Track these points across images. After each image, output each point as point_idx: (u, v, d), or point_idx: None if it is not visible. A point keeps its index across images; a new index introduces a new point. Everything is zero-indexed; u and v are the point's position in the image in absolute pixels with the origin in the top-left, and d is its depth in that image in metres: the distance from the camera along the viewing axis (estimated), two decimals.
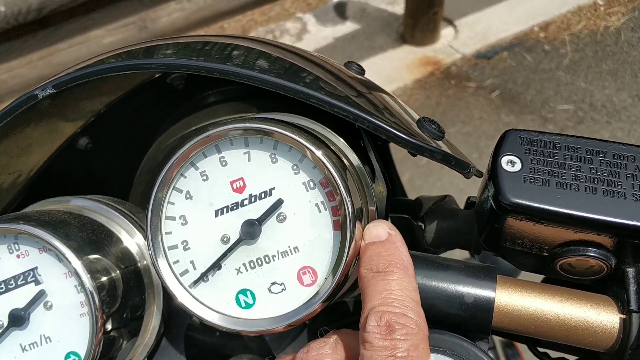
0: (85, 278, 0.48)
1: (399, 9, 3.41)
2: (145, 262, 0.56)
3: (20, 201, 0.68)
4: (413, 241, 0.66)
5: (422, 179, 2.45)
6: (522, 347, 0.74)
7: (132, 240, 0.57)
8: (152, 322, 0.56)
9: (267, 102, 0.75)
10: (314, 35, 3.48)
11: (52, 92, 0.49)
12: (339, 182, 0.43)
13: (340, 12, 3.61)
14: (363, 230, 0.46)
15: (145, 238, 0.48)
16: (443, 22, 3.17)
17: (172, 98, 0.76)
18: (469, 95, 2.83)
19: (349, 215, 0.43)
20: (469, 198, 0.58)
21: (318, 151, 0.44)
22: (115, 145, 0.79)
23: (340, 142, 0.52)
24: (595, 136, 0.46)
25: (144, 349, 0.56)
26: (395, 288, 0.39)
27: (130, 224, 0.58)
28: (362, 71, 0.60)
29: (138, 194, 0.78)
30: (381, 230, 0.44)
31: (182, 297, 0.47)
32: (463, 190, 2.36)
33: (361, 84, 0.54)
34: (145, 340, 0.56)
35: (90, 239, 0.52)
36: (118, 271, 0.52)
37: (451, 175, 2.44)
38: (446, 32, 3.19)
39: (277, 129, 0.44)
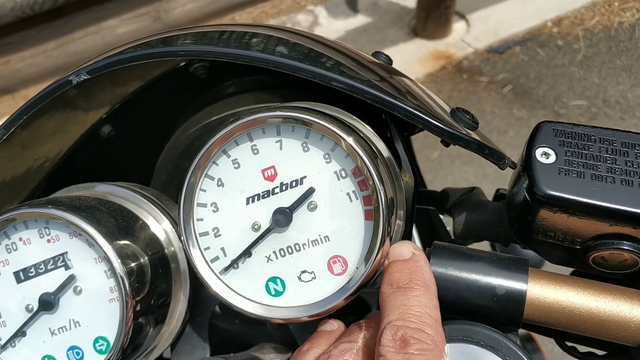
0: (116, 263, 0.48)
1: (410, 2, 3.38)
2: (172, 249, 0.56)
3: (45, 188, 0.68)
4: (435, 233, 0.66)
5: (432, 173, 2.44)
6: (543, 342, 0.74)
7: (159, 226, 0.57)
8: (179, 309, 0.56)
9: (289, 92, 0.75)
10: (326, 28, 3.46)
11: (86, 77, 0.49)
12: (372, 171, 0.43)
13: (352, 5, 3.59)
14: (394, 220, 0.46)
15: (177, 224, 0.48)
16: (455, 16, 3.15)
17: (194, 87, 0.76)
18: (480, 89, 2.81)
19: (382, 205, 0.43)
20: (497, 190, 0.58)
21: (351, 140, 0.44)
22: (136, 133, 0.79)
23: (369, 131, 0.52)
24: None
25: (170, 336, 0.56)
26: (414, 304, 0.39)
27: (157, 210, 0.58)
28: (390, 61, 0.60)
29: (159, 182, 0.79)
30: (405, 250, 0.44)
31: (214, 283, 0.47)
32: (475, 184, 2.35)
33: (391, 73, 0.54)
34: (171, 327, 0.56)
35: (120, 224, 0.52)
36: (146, 257, 0.52)
37: (462, 169, 2.44)
38: (458, 26, 3.17)
39: (315, 118, 0.44)
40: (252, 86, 0.77)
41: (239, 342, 0.64)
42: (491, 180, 2.38)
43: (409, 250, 0.44)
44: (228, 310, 0.63)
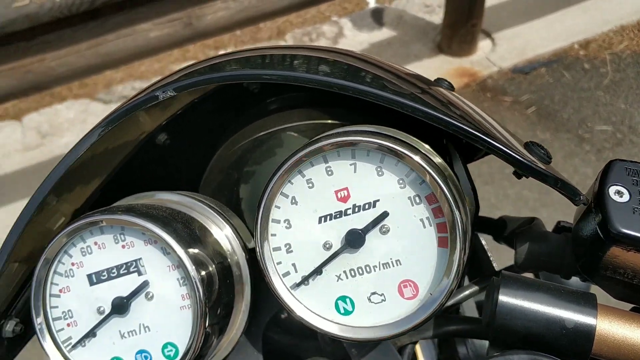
0: (193, 272, 0.50)
1: (436, 18, 3.41)
2: (235, 258, 0.58)
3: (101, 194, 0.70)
4: (476, 259, 0.67)
5: None
6: None
7: (223, 236, 0.58)
8: (239, 319, 0.58)
9: (341, 111, 0.77)
10: (350, 40, 3.49)
11: (172, 94, 0.51)
12: (451, 201, 0.45)
13: (377, 18, 3.62)
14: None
15: (238, 234, 0.49)
16: (481, 34, 3.16)
17: (246, 100, 0.78)
18: (504, 109, 2.82)
19: (459, 234, 0.45)
20: (559, 222, 0.59)
21: (434, 171, 0.46)
22: (188, 142, 0.81)
23: (438, 159, 0.53)
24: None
25: (229, 345, 0.58)
26: None
27: (221, 220, 0.59)
28: (452, 88, 0.62)
29: (208, 191, 0.81)
30: None
31: (287, 298, 0.49)
32: (495, 204, 2.36)
33: (461, 101, 0.55)
34: (230, 336, 0.57)
35: (192, 233, 0.53)
36: (214, 266, 0.54)
37: (483, 189, 2.43)
38: (484, 45, 3.19)
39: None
40: (302, 102, 0.79)
41: (290, 355, 0.66)
42: (511, 202, 2.38)
43: None
44: (282, 322, 0.65)
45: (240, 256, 0.58)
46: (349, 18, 3.66)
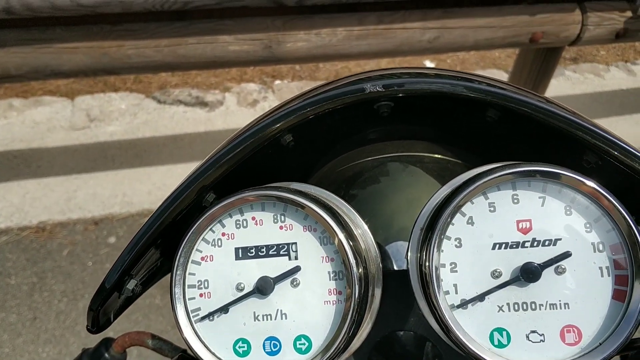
0: (354, 268, 0.48)
1: None
2: (373, 266, 0.56)
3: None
4: None
5: None
6: None
7: (365, 237, 0.56)
8: (366, 330, 0.55)
9: (461, 151, 0.77)
10: None
11: (380, 90, 0.52)
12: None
13: None
14: None
15: (427, 252, 0.48)
16: None
17: (371, 121, 0.78)
18: None
19: None
20: None
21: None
22: (308, 147, 0.82)
23: None
24: None
25: (350, 356, 0.55)
26: None
27: (359, 218, 0.58)
28: None
29: None
30: None
31: (448, 316, 0.47)
32: None
33: None
34: (354, 347, 0.55)
35: (349, 229, 0.52)
36: (362, 267, 0.52)
37: None
38: None
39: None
40: (427, 135, 0.80)
41: None
42: None
43: None
44: (382, 348, 0.62)
45: (377, 265, 0.56)
46: None
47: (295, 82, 3.81)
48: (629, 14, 2.00)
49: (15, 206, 2.55)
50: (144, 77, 3.75)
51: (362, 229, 0.57)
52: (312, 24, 2.34)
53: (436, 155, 0.80)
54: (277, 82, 3.77)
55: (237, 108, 3.33)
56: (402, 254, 0.62)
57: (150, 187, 2.70)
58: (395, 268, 0.59)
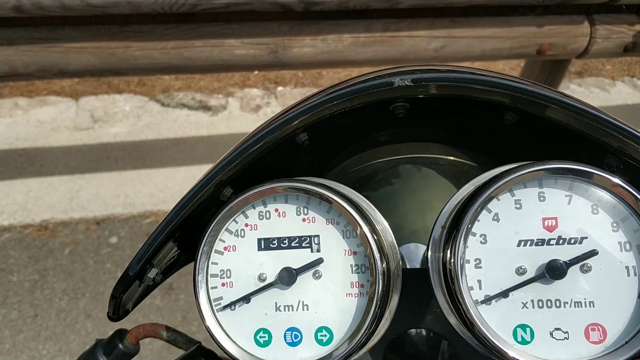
0: (379, 262, 0.48)
1: None
2: (396, 261, 0.55)
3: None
4: None
5: None
6: None
7: (386, 233, 0.56)
8: (384, 327, 0.55)
9: (477, 155, 0.77)
10: None
11: (409, 84, 0.52)
12: None
13: None
14: None
15: (452, 248, 0.48)
16: None
17: (385, 122, 0.78)
18: None
19: None
20: None
21: None
22: (323, 147, 0.82)
23: None
24: None
25: (366, 352, 0.55)
26: None
27: (379, 214, 0.58)
28: None
29: None
30: None
31: (473, 311, 0.47)
32: None
33: None
34: (372, 343, 0.55)
35: (372, 224, 0.52)
36: (385, 262, 0.52)
37: None
38: None
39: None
40: (443, 137, 0.80)
41: None
42: None
43: None
44: (398, 345, 0.61)
45: (397, 263, 0.56)
46: None
47: (298, 88, 3.82)
48: (637, 27, 2.01)
49: (18, 204, 2.54)
50: (148, 79, 3.75)
51: (382, 225, 0.57)
52: (318, 30, 2.35)
53: (450, 158, 0.80)
54: (280, 88, 3.79)
55: (240, 113, 3.33)
56: (416, 255, 0.62)
57: (152, 189, 2.69)
58: (409, 267, 0.59)
